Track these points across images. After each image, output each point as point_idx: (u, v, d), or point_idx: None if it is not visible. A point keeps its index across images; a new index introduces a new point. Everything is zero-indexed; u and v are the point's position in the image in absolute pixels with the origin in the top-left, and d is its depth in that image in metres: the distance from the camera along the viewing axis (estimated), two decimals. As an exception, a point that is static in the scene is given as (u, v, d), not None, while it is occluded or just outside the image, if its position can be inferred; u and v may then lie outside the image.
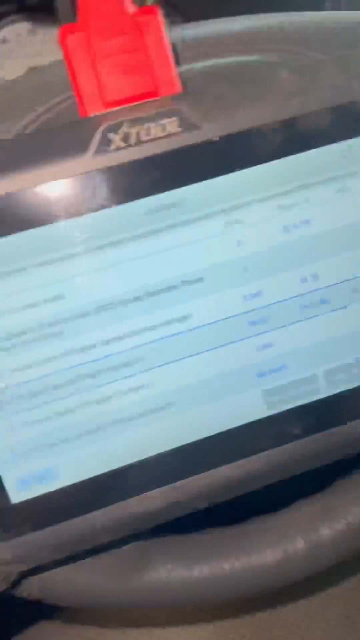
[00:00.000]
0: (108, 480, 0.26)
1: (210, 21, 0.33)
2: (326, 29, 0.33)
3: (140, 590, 0.31)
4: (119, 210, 0.24)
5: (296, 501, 0.34)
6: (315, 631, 0.44)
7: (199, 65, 0.30)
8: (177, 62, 0.29)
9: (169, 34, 0.27)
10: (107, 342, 0.25)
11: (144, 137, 0.24)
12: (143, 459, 0.26)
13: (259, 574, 0.32)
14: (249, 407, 0.27)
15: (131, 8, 0.25)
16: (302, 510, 0.33)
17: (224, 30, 0.32)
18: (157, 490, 0.27)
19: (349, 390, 0.28)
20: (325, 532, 0.32)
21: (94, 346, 0.25)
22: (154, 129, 0.24)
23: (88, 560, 0.30)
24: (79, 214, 0.24)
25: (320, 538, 0.32)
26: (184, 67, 0.30)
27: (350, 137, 0.25)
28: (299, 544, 0.31)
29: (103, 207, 0.24)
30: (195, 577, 0.31)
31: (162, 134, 0.24)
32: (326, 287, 0.27)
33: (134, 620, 0.43)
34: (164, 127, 0.24)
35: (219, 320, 0.26)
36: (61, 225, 0.24)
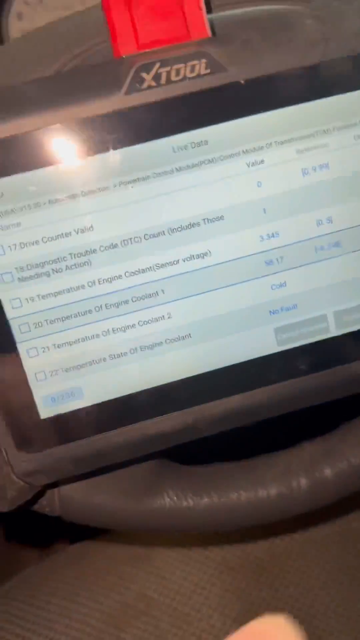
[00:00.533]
0: (127, 402, 0.28)
1: None
2: None
3: (150, 514, 0.34)
4: (148, 147, 0.26)
5: (301, 442, 0.36)
6: (312, 577, 0.46)
7: (229, 12, 0.31)
8: (209, 9, 0.30)
9: None
10: (132, 274, 0.27)
11: (174, 77, 0.25)
12: (160, 385, 0.28)
13: (263, 506, 0.34)
14: (260, 342, 0.29)
15: None
16: (306, 450, 0.35)
17: None
18: (171, 414, 0.29)
19: (355, 332, 0.29)
20: (327, 470, 0.34)
21: (119, 277, 0.27)
22: (184, 70, 0.25)
23: (104, 480, 0.33)
24: (110, 149, 0.25)
25: (322, 476, 0.34)
26: (215, 14, 0.31)
27: (371, 85, 0.27)
28: (302, 480, 0.34)
29: (133, 143, 0.25)
30: (203, 505, 0.34)
31: (191, 74, 0.25)
32: (340, 230, 0.28)
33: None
34: (192, 68, 0.25)
35: (237, 258, 0.28)
36: (93, 160, 0.25)
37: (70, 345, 0.27)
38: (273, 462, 0.35)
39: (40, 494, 0.32)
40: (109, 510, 0.33)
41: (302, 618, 0.45)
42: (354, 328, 0.29)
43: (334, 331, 0.29)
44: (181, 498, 0.34)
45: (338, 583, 0.46)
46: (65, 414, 0.28)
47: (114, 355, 0.28)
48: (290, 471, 0.34)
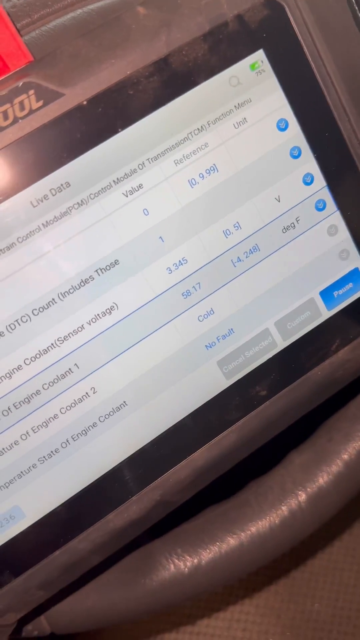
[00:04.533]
0: (79, 502, 0.24)
1: None
2: None
3: (153, 593, 0.29)
4: (2, 210, 0.21)
5: (287, 454, 0.32)
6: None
7: (54, 24, 0.27)
8: (24, 29, 0.25)
9: (8, 0, 0.24)
10: (33, 359, 0.23)
11: (3, 123, 0.20)
12: (110, 470, 0.24)
13: (268, 539, 0.30)
14: (206, 382, 0.25)
15: None
16: (295, 462, 0.31)
17: None
18: (134, 497, 0.25)
19: (304, 336, 0.26)
20: (324, 477, 0.30)
21: (19, 368, 0.22)
22: (12, 110, 0.20)
23: (91, 582, 0.29)
24: None
25: (319, 485, 0.30)
26: (30, 34, 0.26)
27: (234, 62, 0.23)
28: (301, 497, 0.30)
29: None
30: (205, 562, 0.30)
31: (23, 112, 0.20)
32: (253, 233, 0.24)
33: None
34: (22, 105, 0.20)
35: (149, 302, 0.23)
36: None
37: (-11, 464, 0.23)
38: (265, 487, 0.31)
39: (20, 623, 0.28)
40: (107, 607, 0.29)
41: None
42: (302, 333, 0.26)
43: (281, 343, 0.26)
44: (179, 565, 0.30)
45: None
46: (10, 541, 0.24)
47: (43, 457, 0.23)
48: (286, 492, 0.31)
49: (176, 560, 0.30)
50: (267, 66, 0.23)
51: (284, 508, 0.30)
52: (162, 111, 0.22)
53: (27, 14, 0.27)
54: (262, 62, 0.23)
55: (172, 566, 0.29)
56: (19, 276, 0.22)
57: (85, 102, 0.21)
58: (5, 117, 0.20)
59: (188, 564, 0.29)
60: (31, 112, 0.21)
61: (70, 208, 0.22)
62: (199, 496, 0.31)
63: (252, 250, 0.24)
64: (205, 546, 0.30)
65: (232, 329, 0.25)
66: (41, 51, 0.24)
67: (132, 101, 0.22)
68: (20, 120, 0.20)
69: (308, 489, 0.30)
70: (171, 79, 0.22)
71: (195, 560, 0.30)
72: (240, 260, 0.24)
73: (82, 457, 0.24)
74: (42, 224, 0.22)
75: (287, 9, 0.23)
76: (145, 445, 0.24)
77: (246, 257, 0.24)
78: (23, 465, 0.23)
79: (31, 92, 0.21)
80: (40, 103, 0.21)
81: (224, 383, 0.25)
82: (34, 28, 0.26)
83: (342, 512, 0.33)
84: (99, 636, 0.44)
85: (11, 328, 0.22)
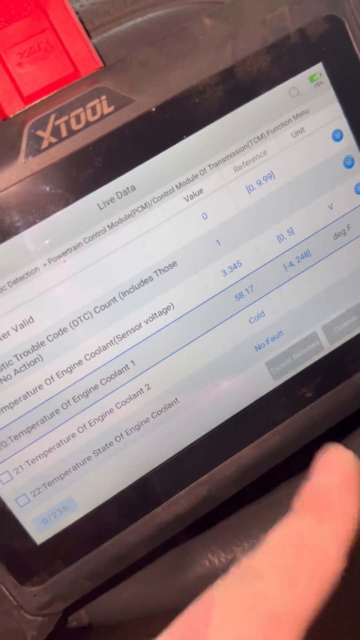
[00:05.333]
0: (129, 495, 0.25)
1: None
2: None
3: (188, 587, 0.30)
4: (70, 212, 0.22)
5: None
6: None
7: (115, 30, 0.27)
8: (90, 34, 0.26)
9: (73, 4, 0.25)
10: (93, 355, 0.23)
11: (75, 126, 0.21)
12: (160, 464, 0.25)
13: None
14: (255, 383, 0.26)
15: (24, -15, 0.22)
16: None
17: None
18: (182, 491, 0.25)
19: (351, 340, 0.26)
20: None
21: (80, 363, 0.23)
22: (84, 114, 0.21)
23: (129, 576, 0.29)
24: (27, 225, 0.21)
25: None
26: (98, 37, 0.27)
27: (295, 74, 0.23)
28: None
29: (52, 211, 0.22)
30: (239, 558, 0.30)
31: (94, 117, 0.21)
32: (305, 239, 0.25)
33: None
34: (94, 110, 0.21)
35: (203, 303, 0.24)
36: (11, 243, 0.21)
37: (46, 455, 0.23)
38: (297, 488, 0.32)
39: (65, 614, 0.28)
40: (143, 601, 0.30)
41: None
42: (348, 337, 0.26)
43: (328, 347, 0.26)
44: (214, 560, 0.30)
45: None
46: (63, 531, 0.24)
47: (98, 449, 0.24)
48: None
49: (211, 557, 0.30)
50: (325, 79, 0.24)
51: None
52: (225, 119, 0.23)
53: (89, 21, 0.28)
54: (320, 74, 0.24)
55: (207, 562, 0.30)
56: (84, 275, 0.22)
57: (154, 109, 0.22)
58: (78, 121, 0.21)
59: (222, 560, 0.30)
60: (102, 117, 0.21)
61: (135, 211, 0.23)
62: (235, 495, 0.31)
63: (304, 255, 0.25)
64: (239, 543, 0.30)
65: (281, 332, 0.25)
66: (105, 57, 0.25)
67: (197, 109, 0.22)
68: (92, 125, 0.21)
69: None
70: (235, 88, 0.23)
71: (230, 557, 0.30)
72: (292, 264, 0.25)
73: (135, 451, 0.24)
74: (108, 226, 0.22)
75: (346, 24, 0.23)
76: (195, 442, 0.25)
77: (298, 261, 0.25)
78: (78, 458, 0.24)
79: (103, 97, 0.21)
80: (112, 108, 0.21)
81: (271, 384, 0.26)
82: (95, 35, 0.27)
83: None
84: (115, 632, 0.44)
85: (74, 324, 0.23)
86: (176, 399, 0.25)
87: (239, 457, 0.26)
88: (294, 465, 0.33)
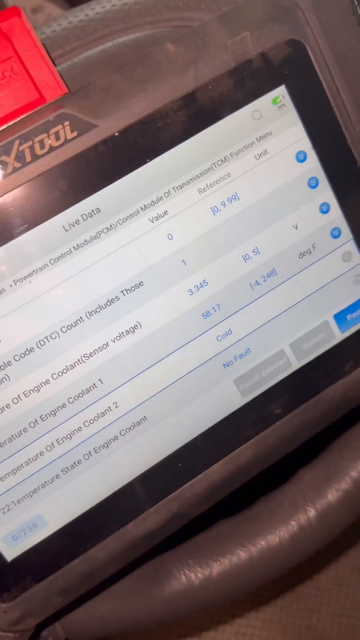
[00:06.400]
0: (99, 512, 0.25)
1: (81, 6, 0.31)
2: None
3: (164, 604, 0.30)
4: (35, 234, 0.22)
5: (297, 471, 0.33)
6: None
7: (85, 55, 0.28)
8: (60, 59, 0.27)
9: (39, 32, 0.25)
10: (60, 374, 0.24)
11: (39, 151, 0.22)
12: (129, 481, 0.25)
13: (279, 554, 0.31)
14: (223, 400, 0.26)
15: (-10, 14, 0.23)
16: (305, 479, 0.32)
17: (98, 12, 0.30)
18: (152, 508, 0.25)
19: (318, 357, 0.27)
20: (333, 494, 0.31)
21: (47, 382, 0.24)
22: (48, 140, 0.22)
23: (105, 590, 0.29)
24: (-8, 249, 0.22)
25: (328, 502, 0.31)
26: (69, 62, 0.28)
27: (258, 96, 0.24)
28: (310, 513, 0.31)
29: (18, 234, 0.22)
30: (216, 574, 0.30)
31: (58, 142, 0.22)
32: (271, 258, 0.25)
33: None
34: (57, 135, 0.22)
35: (170, 321, 0.25)
36: (-23, 266, 0.22)
37: (14, 473, 0.24)
38: (275, 503, 0.32)
39: (37, 629, 0.28)
40: (119, 616, 0.30)
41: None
42: (316, 354, 0.27)
43: (296, 364, 0.27)
44: (190, 576, 0.30)
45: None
46: (33, 547, 0.25)
47: (67, 468, 0.24)
48: (296, 507, 0.32)
49: (187, 572, 0.30)
50: (288, 101, 0.24)
51: (293, 523, 0.31)
52: (188, 143, 0.23)
53: (60, 46, 0.28)
54: (283, 97, 0.24)
55: (183, 577, 0.30)
56: (50, 295, 0.23)
57: (116, 134, 0.22)
58: (42, 147, 0.22)
59: (199, 575, 0.30)
60: (66, 141, 0.22)
61: (100, 232, 0.23)
62: (211, 510, 0.32)
63: (270, 274, 0.25)
64: (216, 558, 0.31)
65: (249, 349, 0.26)
66: (73, 82, 0.25)
67: (160, 133, 0.23)
68: (55, 150, 0.22)
69: (317, 505, 0.31)
70: (198, 112, 0.23)
71: (207, 572, 0.30)
72: (258, 283, 0.25)
73: (103, 469, 0.25)
74: (74, 247, 0.23)
75: (307, 48, 0.24)
76: (164, 459, 0.25)
77: (264, 280, 0.25)
78: (47, 476, 0.24)
79: (66, 123, 0.22)
80: (75, 134, 0.22)
81: (240, 401, 0.26)
82: (65, 60, 0.28)
83: (348, 529, 0.33)
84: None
85: (41, 344, 0.23)
86: (144, 417, 0.25)
87: (208, 473, 0.26)
88: (271, 480, 0.33)
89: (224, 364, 0.26)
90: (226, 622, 0.48)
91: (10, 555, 0.24)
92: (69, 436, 0.24)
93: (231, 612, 0.49)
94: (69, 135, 0.22)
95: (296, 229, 0.25)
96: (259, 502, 0.33)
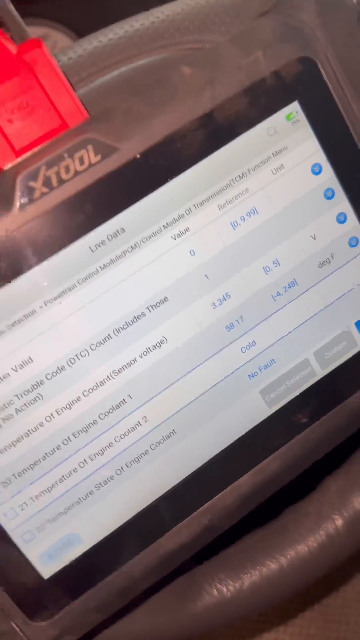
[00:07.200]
0: (133, 527, 0.25)
1: (95, 34, 0.32)
2: (213, 8, 0.32)
3: (197, 619, 0.30)
4: (63, 256, 0.23)
5: (322, 480, 0.33)
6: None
7: (101, 80, 0.29)
8: (78, 84, 0.28)
9: (59, 60, 0.26)
10: (91, 391, 0.24)
11: (65, 176, 0.22)
12: (162, 495, 0.25)
13: (307, 564, 0.31)
14: (250, 410, 0.26)
15: (13, 48, 0.24)
16: (331, 488, 0.32)
17: (112, 38, 0.31)
18: (184, 521, 0.26)
19: (342, 365, 0.27)
20: (359, 501, 0.31)
21: (78, 399, 0.24)
22: (72, 165, 0.22)
23: (138, 607, 0.29)
24: (24, 270, 0.23)
25: (355, 510, 0.31)
26: (83, 90, 0.29)
27: (272, 113, 0.25)
28: (338, 521, 0.31)
29: (46, 256, 0.23)
30: (247, 587, 0.30)
31: (82, 167, 0.23)
32: (291, 269, 0.26)
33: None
34: (81, 160, 0.23)
35: (195, 335, 0.25)
36: (9, 287, 0.23)
37: (49, 491, 0.24)
38: (302, 513, 0.32)
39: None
40: (153, 631, 0.30)
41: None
42: (339, 362, 0.27)
43: (320, 372, 0.27)
44: (222, 589, 0.31)
45: None
46: (69, 564, 0.25)
47: (100, 483, 0.25)
48: (323, 517, 0.32)
49: (219, 585, 0.30)
50: (301, 116, 0.25)
51: (321, 533, 0.31)
52: (207, 161, 0.24)
53: (77, 73, 0.29)
54: (297, 112, 0.25)
55: (215, 591, 0.30)
56: (79, 314, 0.23)
57: (138, 156, 0.23)
58: (67, 171, 0.22)
59: (231, 588, 0.30)
60: (90, 166, 0.23)
61: (125, 251, 0.24)
62: (240, 522, 0.32)
63: (291, 285, 0.26)
64: (247, 571, 0.31)
65: (273, 359, 0.26)
66: (91, 107, 0.26)
67: (180, 153, 0.24)
68: (80, 174, 0.22)
69: (344, 514, 0.31)
70: (215, 131, 0.24)
71: (238, 585, 0.30)
72: (279, 294, 0.26)
73: (135, 484, 0.25)
74: (100, 267, 0.23)
75: (319, 65, 0.25)
76: (194, 472, 0.26)
77: (285, 291, 0.26)
78: (81, 492, 0.24)
79: (90, 147, 0.23)
80: (98, 157, 0.23)
81: (266, 411, 0.26)
82: (82, 85, 0.29)
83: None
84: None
85: (71, 362, 0.24)
86: (174, 430, 0.25)
87: (238, 485, 0.26)
88: (298, 490, 0.33)
89: (249, 375, 0.26)
90: (254, 636, 0.48)
91: (47, 573, 0.25)
92: (101, 452, 0.25)
93: (259, 626, 0.48)
94: (93, 159, 0.23)
95: (314, 239, 0.26)
96: (286, 512, 0.33)
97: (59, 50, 0.31)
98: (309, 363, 0.27)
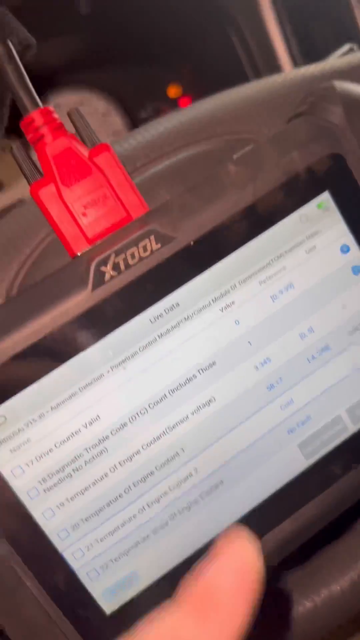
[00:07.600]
0: (185, 567, 0.28)
1: (145, 126, 0.36)
2: (251, 102, 0.37)
3: None
4: (128, 328, 0.27)
5: (353, 524, 0.36)
6: None
7: (153, 170, 0.33)
8: (132, 175, 0.32)
9: (115, 150, 0.30)
10: (148, 445, 0.27)
11: (130, 262, 0.26)
12: (209, 540, 0.28)
13: (339, 602, 0.34)
14: (290, 462, 0.29)
15: (85, 152, 0.28)
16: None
17: (164, 132, 0.36)
18: (231, 563, 0.28)
19: (372, 419, 0.30)
20: None
21: (138, 452, 0.27)
22: (137, 252, 0.27)
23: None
24: (95, 340, 0.26)
25: None
26: (140, 177, 0.33)
27: (305, 203, 0.28)
28: None
29: (113, 329, 0.26)
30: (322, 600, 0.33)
31: (146, 253, 0.27)
32: (324, 335, 0.29)
33: None
34: (145, 248, 0.27)
35: (240, 394, 0.28)
36: (82, 356, 0.26)
37: (112, 534, 0.27)
38: (334, 554, 0.35)
39: None
40: None
41: None
42: (370, 417, 0.30)
43: (352, 428, 0.30)
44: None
45: None
46: (129, 601, 0.28)
47: (156, 528, 0.28)
48: (354, 557, 0.34)
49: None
50: (331, 204, 0.29)
51: (352, 573, 0.34)
52: (249, 245, 0.28)
53: (132, 164, 0.34)
54: (327, 201, 0.29)
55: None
56: (140, 377, 0.27)
57: (192, 243, 0.27)
58: (133, 257, 0.27)
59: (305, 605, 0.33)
60: (152, 252, 0.27)
61: (179, 322, 0.27)
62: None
63: (324, 349, 0.29)
64: (320, 589, 0.33)
65: (309, 416, 0.29)
66: (145, 196, 0.30)
67: (226, 239, 0.27)
68: (144, 259, 0.27)
69: None
70: (255, 220, 0.28)
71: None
72: (314, 357, 0.29)
73: (187, 529, 0.28)
74: (158, 336, 0.27)
75: (347, 160, 0.29)
76: (239, 519, 0.29)
77: (319, 355, 0.29)
78: (140, 535, 0.28)
79: (152, 237, 0.27)
80: (159, 245, 0.27)
81: (304, 463, 0.29)
82: (136, 175, 0.33)
83: None
84: None
85: (133, 419, 0.27)
86: (221, 481, 0.28)
87: (278, 531, 0.29)
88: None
89: (287, 430, 0.29)
90: None
91: (109, 609, 0.28)
92: (157, 500, 0.28)
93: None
94: (154, 247, 0.27)
95: (344, 309, 0.29)
96: (320, 553, 0.36)
97: (100, 115, 0.36)
98: (342, 419, 0.30)
